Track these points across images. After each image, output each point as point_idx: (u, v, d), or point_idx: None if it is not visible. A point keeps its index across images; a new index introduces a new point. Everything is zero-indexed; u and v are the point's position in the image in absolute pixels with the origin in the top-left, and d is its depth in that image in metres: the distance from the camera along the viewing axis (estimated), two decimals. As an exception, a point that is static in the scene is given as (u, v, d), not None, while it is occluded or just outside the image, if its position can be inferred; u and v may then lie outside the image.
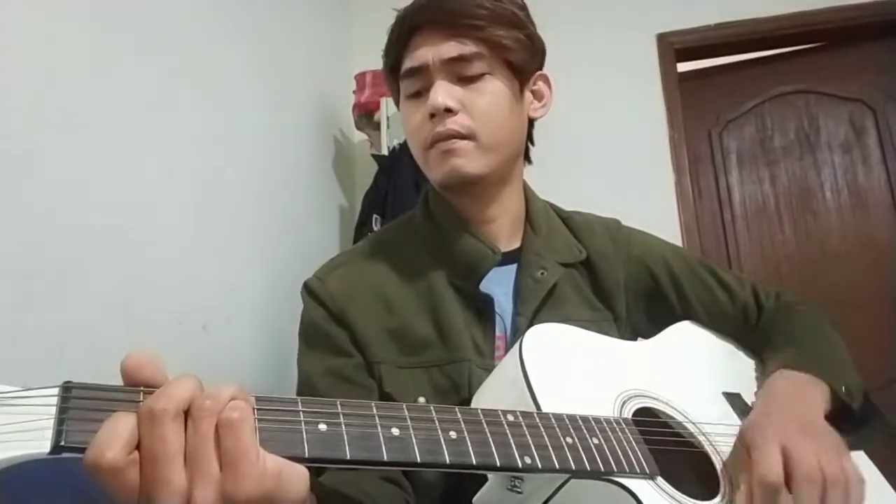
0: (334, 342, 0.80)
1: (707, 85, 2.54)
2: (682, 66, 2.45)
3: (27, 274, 0.89)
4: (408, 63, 0.81)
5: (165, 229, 1.21)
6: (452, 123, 0.77)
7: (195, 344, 1.26)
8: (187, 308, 1.25)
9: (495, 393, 0.67)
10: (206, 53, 1.42)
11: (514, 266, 0.85)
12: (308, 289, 0.84)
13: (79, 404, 0.38)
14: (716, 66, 2.55)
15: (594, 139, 2.31)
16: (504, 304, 0.83)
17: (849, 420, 0.78)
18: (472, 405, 0.69)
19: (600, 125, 2.32)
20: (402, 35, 0.82)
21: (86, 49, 1.05)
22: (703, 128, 2.52)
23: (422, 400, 0.75)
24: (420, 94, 0.81)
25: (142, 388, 0.41)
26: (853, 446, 0.83)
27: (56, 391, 0.38)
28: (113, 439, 0.38)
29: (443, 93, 0.77)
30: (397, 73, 0.84)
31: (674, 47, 2.41)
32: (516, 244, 0.87)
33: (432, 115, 0.78)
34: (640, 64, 2.38)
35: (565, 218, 0.94)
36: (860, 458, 0.83)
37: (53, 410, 0.37)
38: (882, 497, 0.79)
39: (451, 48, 0.78)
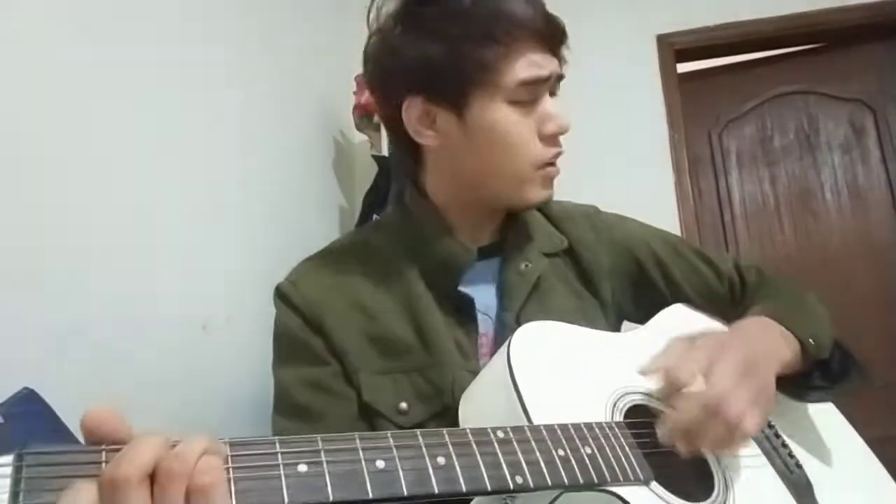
0: (311, 350, 0.77)
1: (707, 85, 2.54)
2: (682, 67, 2.45)
3: (27, 274, 0.89)
4: (532, 70, 0.74)
5: (165, 229, 1.21)
6: (561, 146, 0.79)
7: (195, 344, 1.26)
8: (187, 308, 1.25)
9: (483, 398, 0.66)
10: (205, 54, 1.42)
11: (497, 260, 0.84)
12: (281, 294, 0.81)
13: (35, 472, 0.36)
14: (716, 67, 2.55)
15: (594, 139, 2.30)
16: (488, 299, 0.81)
17: (826, 373, 0.78)
18: (460, 410, 0.68)
19: (600, 125, 2.31)
20: (503, 32, 0.73)
21: (86, 50, 1.05)
22: (703, 128, 2.52)
23: (403, 405, 0.74)
24: (525, 104, 0.76)
25: (104, 448, 0.38)
26: (829, 399, 0.83)
27: (10, 460, 0.36)
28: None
29: (566, 114, 0.78)
30: (479, 70, 0.73)
31: (674, 48, 2.41)
32: (496, 237, 0.86)
33: (558, 134, 0.78)
34: (640, 65, 2.38)
35: (542, 208, 0.92)
36: (862, 452, 0.83)
37: (8, 483, 0.35)
38: (883, 490, 0.79)
39: (557, 65, 0.78)
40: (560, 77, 0.78)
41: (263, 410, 0.81)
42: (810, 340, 0.76)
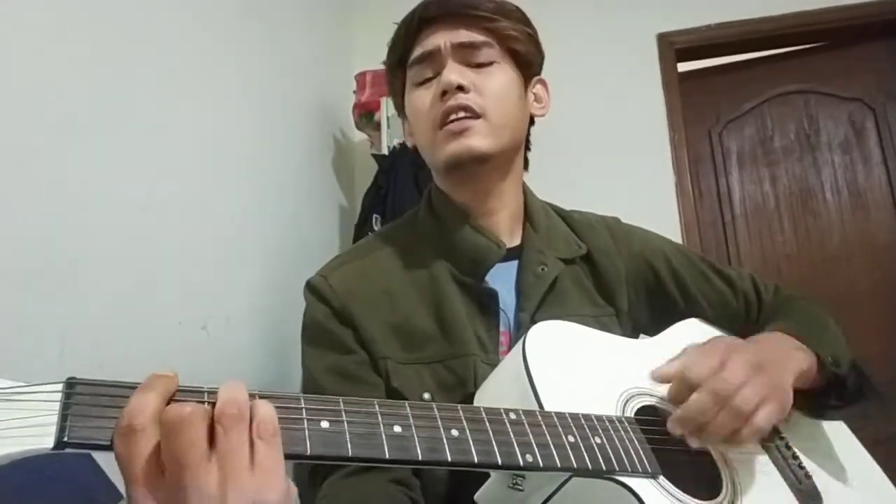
0: (337, 339, 0.80)
1: (707, 85, 2.53)
2: (683, 66, 2.45)
3: (27, 273, 0.89)
4: (418, 51, 0.84)
5: (165, 229, 1.21)
6: (464, 99, 0.79)
7: (195, 344, 1.26)
8: (187, 308, 1.25)
9: (498, 390, 0.67)
10: (206, 53, 1.42)
11: (516, 262, 0.86)
12: (311, 287, 0.84)
13: (82, 400, 0.39)
14: (716, 66, 2.54)
15: (594, 139, 2.31)
16: (507, 300, 0.83)
17: (842, 393, 0.78)
18: (475, 402, 0.69)
19: (600, 125, 2.32)
20: (412, 28, 0.85)
21: (86, 47, 1.05)
22: (704, 128, 2.51)
23: (426, 396, 0.75)
24: (430, 80, 0.83)
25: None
26: (841, 418, 0.83)
27: (60, 387, 0.39)
28: (145, 406, 0.38)
29: (455, 72, 0.80)
30: (404, 64, 0.86)
31: (674, 47, 2.40)
32: (516, 241, 0.88)
33: (444, 94, 0.80)
34: (640, 64, 2.38)
35: (565, 216, 0.95)
36: (870, 465, 0.83)
37: (57, 406, 0.38)
38: (885, 498, 0.79)
39: (462, 35, 0.82)
40: (461, 45, 0.82)
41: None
42: (829, 359, 0.75)
